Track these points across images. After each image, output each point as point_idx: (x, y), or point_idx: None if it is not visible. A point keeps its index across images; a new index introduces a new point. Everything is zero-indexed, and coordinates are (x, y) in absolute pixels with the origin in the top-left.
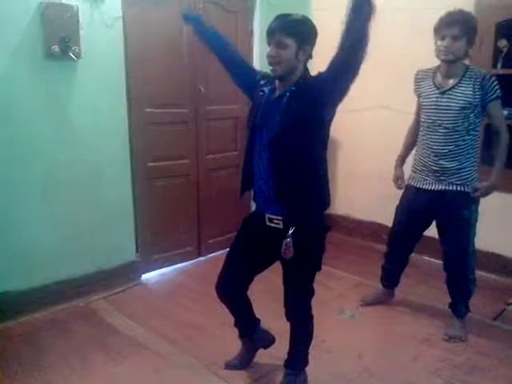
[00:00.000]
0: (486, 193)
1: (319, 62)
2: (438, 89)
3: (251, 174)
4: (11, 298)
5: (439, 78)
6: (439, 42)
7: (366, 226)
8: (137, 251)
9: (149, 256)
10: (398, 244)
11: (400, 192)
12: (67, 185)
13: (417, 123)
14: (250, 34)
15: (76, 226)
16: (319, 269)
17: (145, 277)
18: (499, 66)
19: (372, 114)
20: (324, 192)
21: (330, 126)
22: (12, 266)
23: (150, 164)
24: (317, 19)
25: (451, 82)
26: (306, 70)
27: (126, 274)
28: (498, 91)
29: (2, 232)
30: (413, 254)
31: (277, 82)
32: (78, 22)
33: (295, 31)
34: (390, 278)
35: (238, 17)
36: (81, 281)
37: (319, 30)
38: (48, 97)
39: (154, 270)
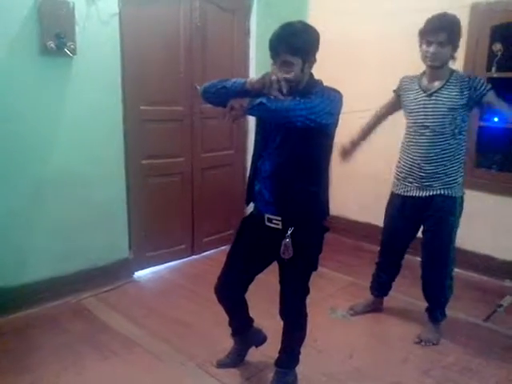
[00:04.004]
0: None
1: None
2: (425, 92)
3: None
4: (3, 295)
5: (425, 81)
6: (425, 47)
7: (360, 226)
8: (130, 249)
9: (142, 253)
10: (389, 253)
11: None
12: (60, 182)
13: (385, 110)
14: (247, 33)
15: (69, 223)
16: (315, 269)
17: (137, 274)
18: (493, 69)
19: (368, 116)
20: (323, 201)
21: (333, 136)
22: (4, 262)
23: (145, 161)
24: (313, 19)
25: (437, 84)
26: (311, 76)
27: (119, 271)
28: (489, 85)
29: None
30: (406, 256)
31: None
32: (74, 18)
33: (300, 49)
34: (382, 286)
35: (235, 16)
36: (73, 278)
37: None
38: (42, 93)
39: (146, 267)
